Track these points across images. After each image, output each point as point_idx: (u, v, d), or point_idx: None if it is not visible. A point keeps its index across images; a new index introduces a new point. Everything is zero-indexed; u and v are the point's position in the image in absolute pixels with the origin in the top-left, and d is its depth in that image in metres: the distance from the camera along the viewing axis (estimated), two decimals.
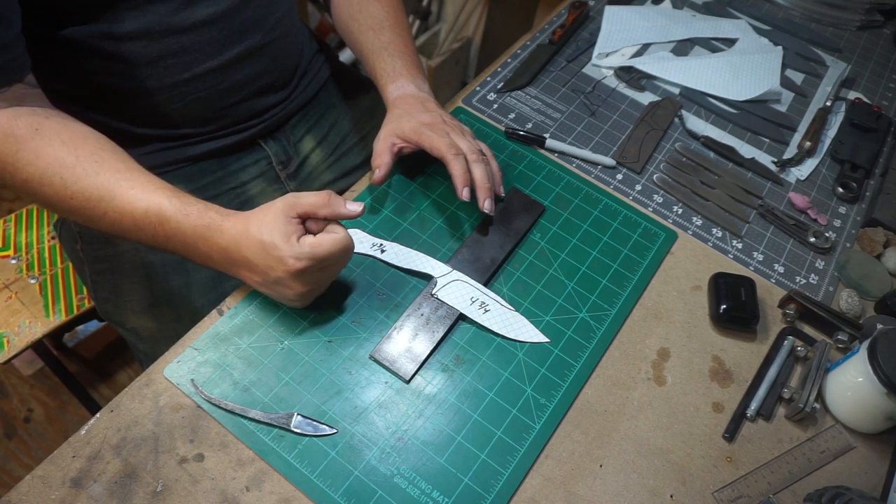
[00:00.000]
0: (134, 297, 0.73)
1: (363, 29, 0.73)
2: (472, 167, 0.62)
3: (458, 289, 0.61)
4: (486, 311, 0.61)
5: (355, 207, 0.54)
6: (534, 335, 0.60)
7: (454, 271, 0.63)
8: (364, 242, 0.64)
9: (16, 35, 0.52)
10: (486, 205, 0.62)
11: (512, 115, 0.80)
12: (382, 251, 0.64)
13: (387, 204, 0.69)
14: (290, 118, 0.82)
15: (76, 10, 0.57)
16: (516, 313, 0.61)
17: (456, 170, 0.61)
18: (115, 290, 0.74)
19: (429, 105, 0.67)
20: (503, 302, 0.62)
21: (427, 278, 0.63)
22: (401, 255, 0.63)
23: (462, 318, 0.61)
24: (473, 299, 0.61)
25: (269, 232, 0.50)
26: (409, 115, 0.65)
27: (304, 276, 0.52)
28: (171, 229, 0.52)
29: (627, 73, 0.88)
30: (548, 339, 0.60)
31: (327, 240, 0.52)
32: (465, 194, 0.62)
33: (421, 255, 0.64)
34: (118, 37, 0.59)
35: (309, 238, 0.52)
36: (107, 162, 0.53)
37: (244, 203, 0.76)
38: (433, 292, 0.61)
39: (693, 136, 0.82)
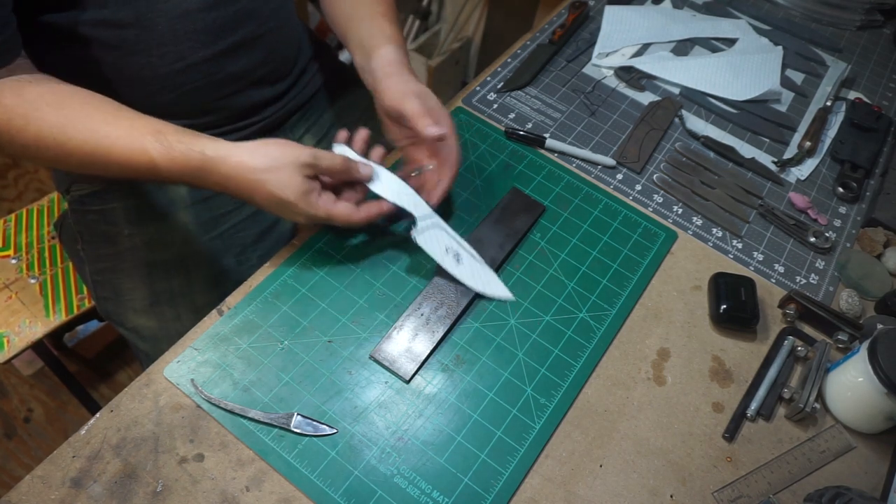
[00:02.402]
0: (134, 297, 0.73)
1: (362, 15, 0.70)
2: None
3: (435, 235, 0.61)
4: (459, 262, 0.61)
5: (367, 171, 0.59)
6: (501, 291, 0.62)
7: (435, 216, 0.61)
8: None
9: (8, 15, 0.53)
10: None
11: (512, 115, 0.80)
12: (375, 178, 0.61)
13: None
14: (290, 117, 0.82)
15: None
16: (487, 268, 0.62)
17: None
18: (116, 289, 0.74)
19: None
20: (476, 254, 0.62)
21: (409, 216, 0.61)
22: (390, 184, 0.61)
23: (462, 317, 0.61)
24: (448, 248, 0.61)
25: (283, 187, 0.53)
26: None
27: (312, 224, 0.58)
28: (164, 174, 0.54)
29: (627, 73, 0.88)
30: (512, 297, 0.62)
31: (344, 211, 0.57)
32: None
33: (409, 189, 0.61)
34: (110, 24, 0.59)
35: (328, 198, 0.56)
36: (93, 116, 0.54)
37: (245, 202, 0.76)
38: (412, 234, 0.60)
39: (693, 136, 0.82)
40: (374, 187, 0.60)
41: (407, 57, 0.68)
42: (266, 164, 0.53)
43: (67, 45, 0.61)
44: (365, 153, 0.63)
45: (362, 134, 0.63)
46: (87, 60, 0.62)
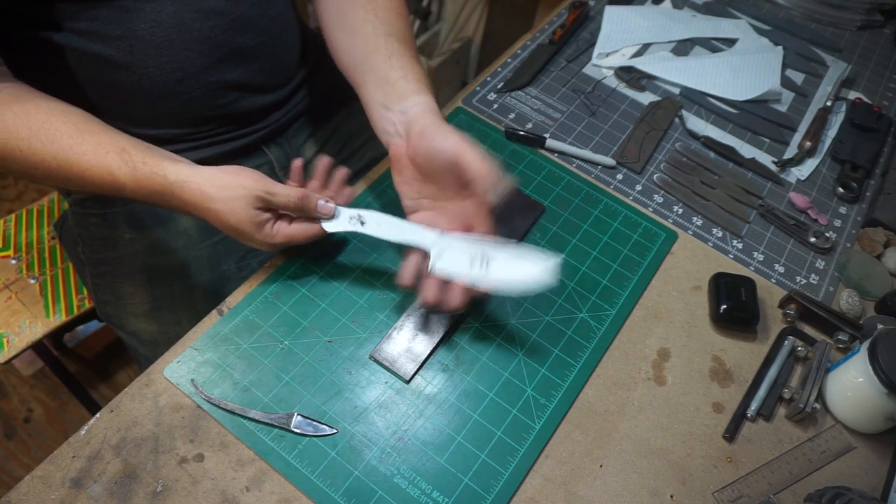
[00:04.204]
0: (135, 301, 0.73)
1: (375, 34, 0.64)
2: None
3: (453, 256, 0.54)
4: (489, 264, 0.54)
5: (327, 210, 0.56)
6: (544, 265, 0.53)
7: (444, 234, 0.55)
8: (341, 217, 0.57)
9: None
10: None
11: (512, 115, 0.80)
12: (362, 223, 0.56)
13: (386, 204, 0.69)
14: (292, 123, 0.81)
15: (60, 9, 0.57)
16: (518, 247, 0.54)
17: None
18: (116, 293, 0.74)
19: None
20: (500, 242, 0.55)
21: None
22: (383, 225, 0.56)
23: (462, 317, 0.61)
24: (472, 258, 0.54)
25: (237, 219, 0.53)
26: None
27: (271, 249, 0.57)
28: (129, 192, 0.54)
29: (627, 73, 0.88)
30: (558, 260, 0.53)
31: (300, 232, 0.56)
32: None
33: (405, 223, 0.57)
34: (102, 37, 0.59)
35: (283, 228, 0.55)
36: (59, 129, 0.53)
37: None
38: (430, 269, 0.54)
39: (693, 136, 0.82)
40: (367, 231, 0.56)
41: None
42: (221, 194, 0.53)
43: (63, 59, 0.60)
44: (325, 181, 0.61)
45: (324, 162, 0.61)
46: (85, 74, 0.62)
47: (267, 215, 0.54)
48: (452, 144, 0.54)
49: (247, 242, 0.56)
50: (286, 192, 0.54)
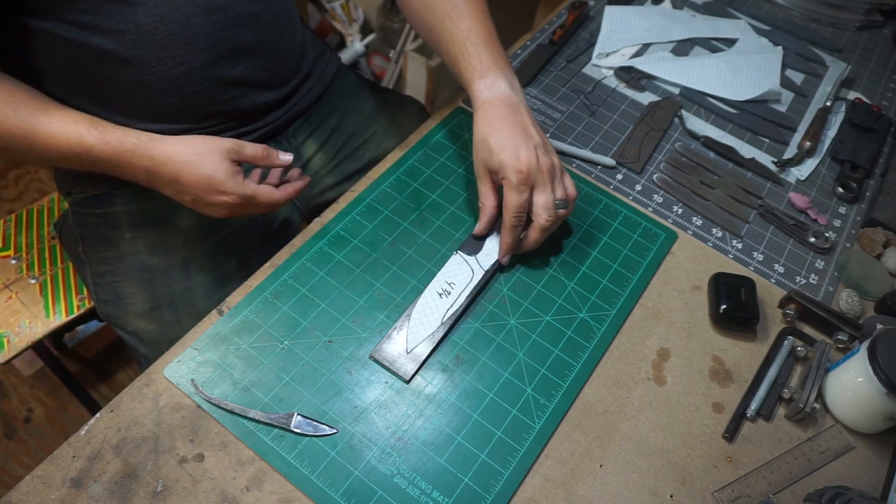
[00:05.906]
0: (135, 301, 0.73)
1: (439, 16, 0.66)
2: (507, 231, 0.62)
3: (462, 269, 0.64)
4: (441, 297, 0.62)
5: (286, 157, 0.63)
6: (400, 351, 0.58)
7: (484, 274, 0.63)
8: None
9: None
10: (503, 259, 0.64)
11: None
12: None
13: (387, 204, 0.69)
14: (292, 122, 0.81)
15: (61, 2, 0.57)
16: (430, 332, 0.59)
17: (504, 238, 0.62)
18: (117, 292, 0.74)
19: (522, 118, 0.62)
20: (442, 323, 0.60)
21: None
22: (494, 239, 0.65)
23: (462, 317, 0.61)
24: (451, 283, 0.63)
25: (213, 168, 0.58)
26: (500, 145, 0.60)
27: (238, 208, 0.61)
28: (95, 156, 0.57)
29: (627, 73, 0.88)
30: (406, 376, 0.57)
31: (266, 193, 0.61)
32: (504, 261, 0.64)
33: (496, 239, 0.65)
34: (105, 30, 0.59)
35: (252, 183, 0.61)
36: (23, 102, 0.56)
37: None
38: (459, 250, 0.65)
39: (693, 136, 0.82)
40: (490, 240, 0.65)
41: (506, 66, 0.65)
42: (196, 149, 0.58)
43: (65, 53, 0.61)
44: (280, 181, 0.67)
45: (277, 172, 0.68)
46: (87, 67, 0.62)
47: (239, 167, 0.59)
48: (498, 166, 0.60)
49: (214, 197, 0.58)
50: (253, 145, 0.61)
